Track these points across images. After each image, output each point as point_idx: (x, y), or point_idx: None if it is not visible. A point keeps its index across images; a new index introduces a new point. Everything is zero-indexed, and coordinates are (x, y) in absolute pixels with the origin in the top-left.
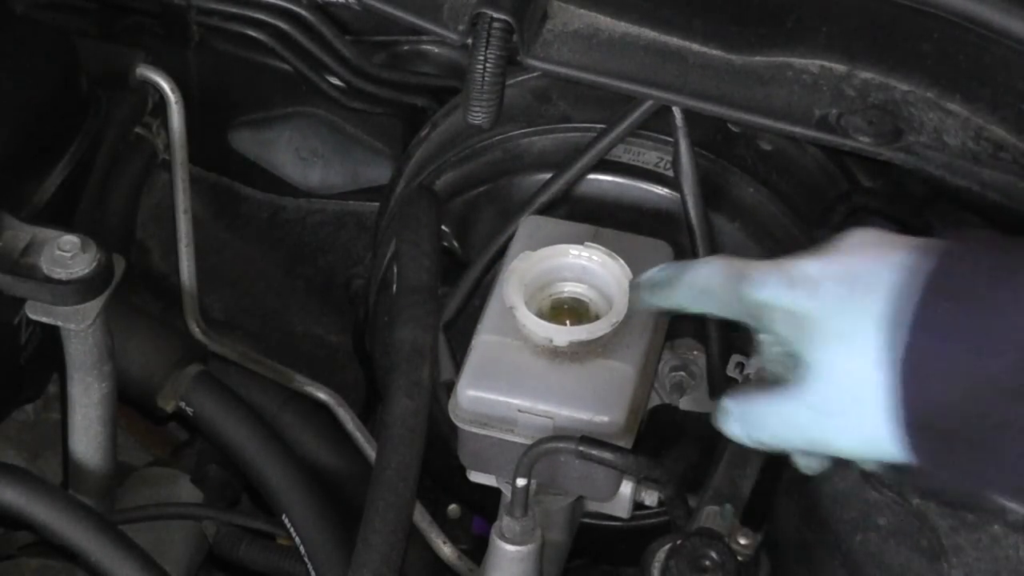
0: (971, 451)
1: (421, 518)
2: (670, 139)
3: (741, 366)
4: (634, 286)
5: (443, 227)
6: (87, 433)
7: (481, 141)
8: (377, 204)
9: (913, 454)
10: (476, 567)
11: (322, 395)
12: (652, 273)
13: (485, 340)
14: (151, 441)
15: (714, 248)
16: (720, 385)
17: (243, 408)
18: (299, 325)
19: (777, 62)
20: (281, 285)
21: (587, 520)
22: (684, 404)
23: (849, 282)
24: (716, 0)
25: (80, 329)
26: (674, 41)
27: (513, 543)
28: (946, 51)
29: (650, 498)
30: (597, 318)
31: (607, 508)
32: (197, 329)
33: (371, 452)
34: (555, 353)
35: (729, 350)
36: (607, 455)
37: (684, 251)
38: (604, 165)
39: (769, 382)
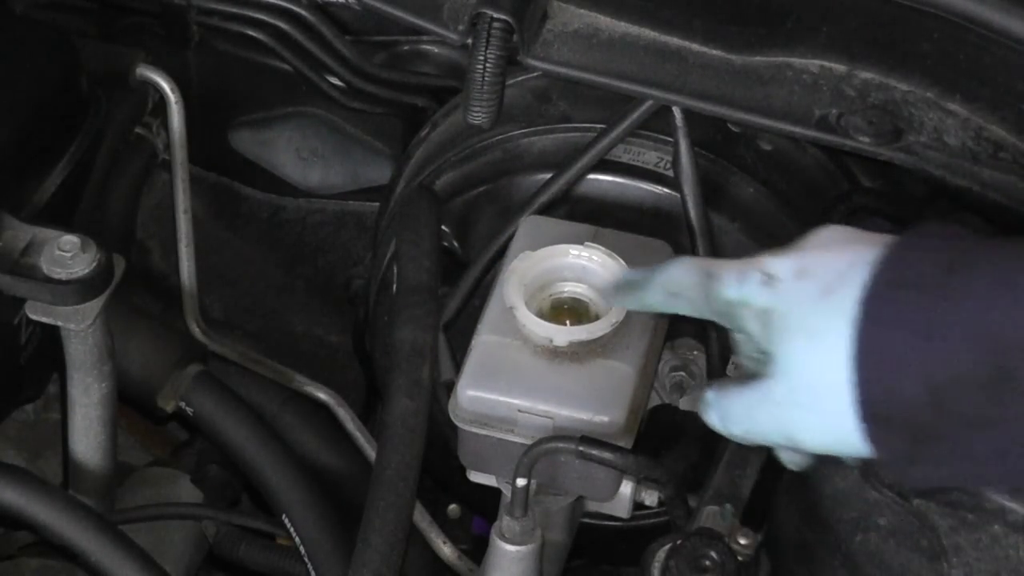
0: (938, 446)
1: (421, 518)
2: (670, 139)
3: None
4: (611, 289)
5: (443, 227)
6: (87, 433)
7: (481, 141)
8: (377, 204)
9: (877, 449)
10: (476, 567)
11: (322, 395)
12: (625, 275)
13: (485, 340)
14: (151, 441)
15: (714, 248)
16: None
17: (243, 408)
18: (299, 325)
19: (777, 62)
20: (281, 285)
21: (587, 520)
22: (684, 404)
23: (814, 279)
24: (716, 0)
25: (80, 329)
26: (674, 41)
27: (513, 543)
28: (946, 51)
29: (650, 498)
30: (597, 318)
31: (607, 508)
32: (197, 329)
33: (371, 452)
34: (555, 353)
35: (729, 350)
36: (607, 455)
37: (684, 251)
38: (604, 165)
39: (746, 377)
